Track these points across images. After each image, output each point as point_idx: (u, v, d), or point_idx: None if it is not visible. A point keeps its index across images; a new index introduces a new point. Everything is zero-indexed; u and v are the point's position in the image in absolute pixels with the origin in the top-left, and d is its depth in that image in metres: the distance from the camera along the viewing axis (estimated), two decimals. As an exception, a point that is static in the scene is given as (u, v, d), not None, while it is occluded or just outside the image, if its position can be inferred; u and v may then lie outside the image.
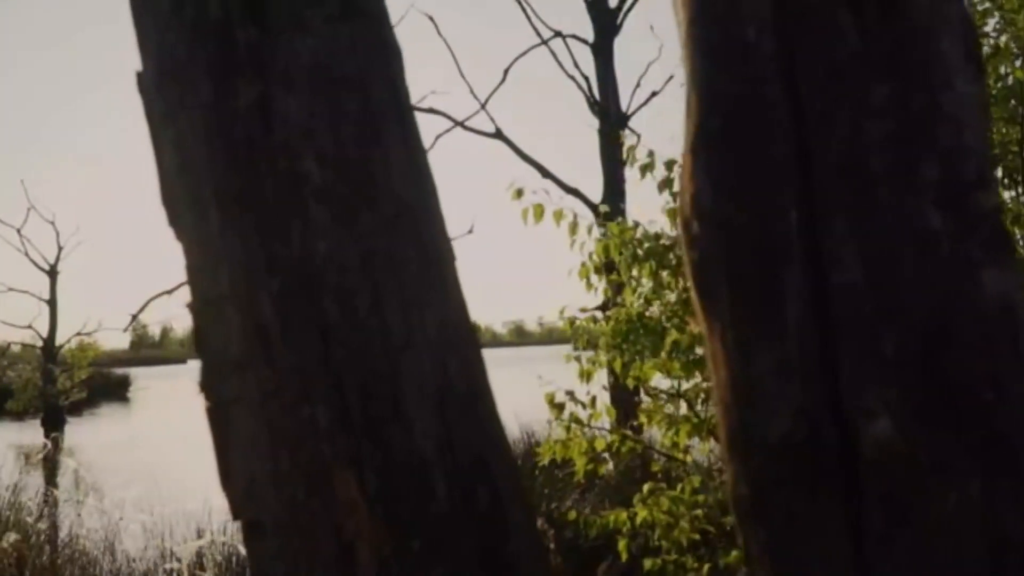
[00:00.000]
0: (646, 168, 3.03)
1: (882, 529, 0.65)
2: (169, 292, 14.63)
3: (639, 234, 3.14)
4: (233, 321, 0.82)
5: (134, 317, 16.11)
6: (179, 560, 4.56)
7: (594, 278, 2.97)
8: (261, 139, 0.82)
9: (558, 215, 2.91)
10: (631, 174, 3.31)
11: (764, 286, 0.72)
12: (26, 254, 23.12)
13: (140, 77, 0.93)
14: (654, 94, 10.36)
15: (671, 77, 10.71)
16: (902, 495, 0.65)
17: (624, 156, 3.25)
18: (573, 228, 2.93)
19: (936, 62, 0.70)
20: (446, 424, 0.80)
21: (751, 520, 0.72)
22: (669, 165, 2.96)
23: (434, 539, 0.77)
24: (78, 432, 18.05)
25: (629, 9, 10.38)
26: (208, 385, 0.86)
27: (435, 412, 0.79)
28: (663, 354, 2.62)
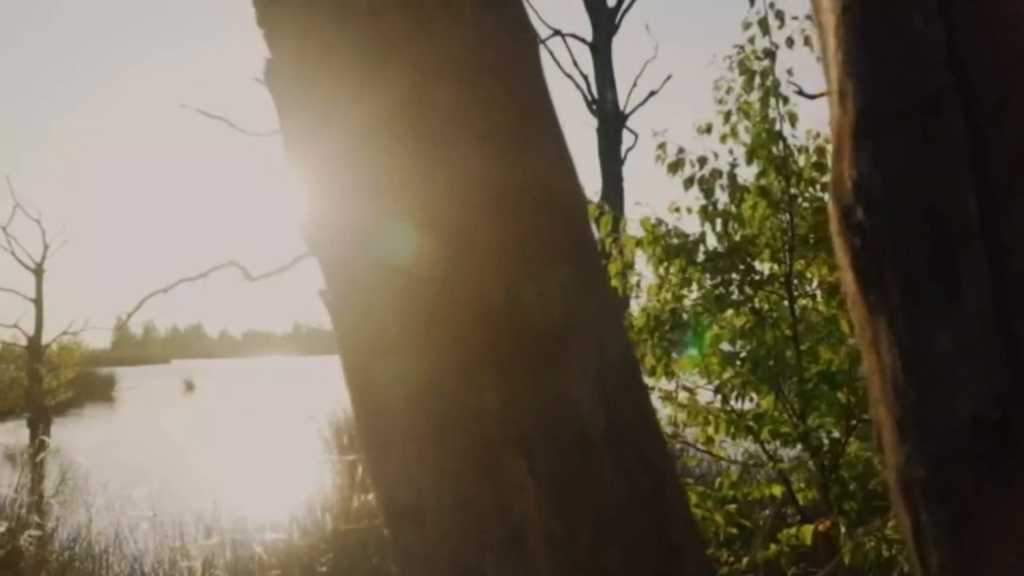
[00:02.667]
0: (676, 165, 3.04)
1: (1074, 507, 0.66)
2: (164, 291, 14.52)
3: (662, 231, 3.16)
4: (390, 306, 0.82)
5: (129, 316, 15.97)
6: (191, 558, 4.54)
7: (625, 273, 2.99)
8: (416, 124, 0.83)
9: (592, 211, 2.92)
10: (626, 171, 3.31)
11: (941, 270, 0.73)
12: (12, 252, 22.92)
13: (271, 64, 0.93)
14: (652, 93, 10.40)
15: (669, 76, 10.74)
16: (1096, 474, 0.66)
17: (623, 154, 3.26)
18: (606, 224, 2.94)
19: (1114, 50, 0.71)
20: (608, 407, 0.80)
21: (929, 501, 0.73)
22: (701, 161, 2.98)
23: (605, 522, 0.77)
24: (65, 432, 17.88)
25: (627, 8, 10.43)
26: (357, 370, 0.86)
27: (598, 395, 0.80)
28: (704, 348, 2.64)
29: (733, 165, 2.98)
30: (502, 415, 0.78)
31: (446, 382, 0.79)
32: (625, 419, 0.81)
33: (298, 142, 0.90)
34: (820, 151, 3.20)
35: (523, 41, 0.90)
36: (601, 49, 10.41)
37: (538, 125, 0.87)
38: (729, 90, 3.69)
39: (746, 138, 3.30)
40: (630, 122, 10.23)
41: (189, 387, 37.28)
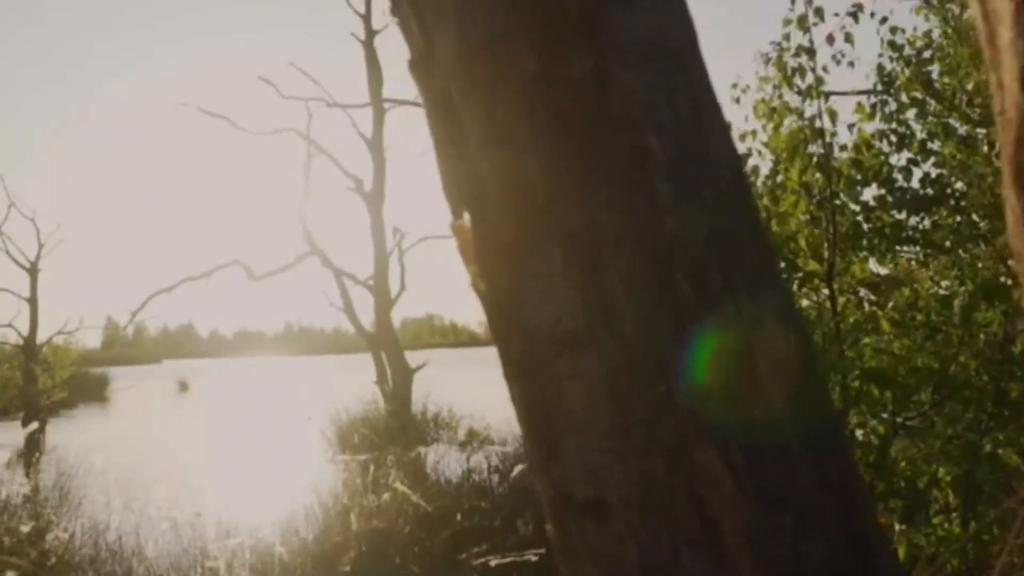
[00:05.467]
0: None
1: None
2: (169, 290, 14.39)
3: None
4: (568, 298, 0.81)
5: (133, 315, 15.82)
6: (213, 559, 4.51)
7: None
8: (597, 112, 0.81)
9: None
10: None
11: None
12: (7, 252, 22.78)
13: (420, 56, 0.92)
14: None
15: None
16: None
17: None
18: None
19: None
20: (792, 392, 0.79)
21: None
22: (743, 159, 2.97)
23: (802, 514, 0.76)
24: (62, 433, 17.76)
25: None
26: (528, 364, 0.85)
27: (787, 387, 0.79)
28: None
29: (777, 161, 2.97)
30: (695, 405, 0.76)
31: (637, 373, 0.78)
32: (811, 408, 0.80)
33: (455, 138, 0.89)
34: (858, 148, 3.21)
35: (689, 27, 0.89)
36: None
37: (711, 112, 0.86)
38: (746, 90, 3.68)
39: (763, 137, 3.30)
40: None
41: (183, 387, 37.18)
